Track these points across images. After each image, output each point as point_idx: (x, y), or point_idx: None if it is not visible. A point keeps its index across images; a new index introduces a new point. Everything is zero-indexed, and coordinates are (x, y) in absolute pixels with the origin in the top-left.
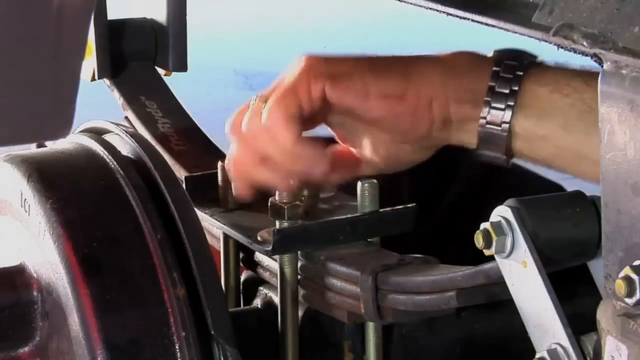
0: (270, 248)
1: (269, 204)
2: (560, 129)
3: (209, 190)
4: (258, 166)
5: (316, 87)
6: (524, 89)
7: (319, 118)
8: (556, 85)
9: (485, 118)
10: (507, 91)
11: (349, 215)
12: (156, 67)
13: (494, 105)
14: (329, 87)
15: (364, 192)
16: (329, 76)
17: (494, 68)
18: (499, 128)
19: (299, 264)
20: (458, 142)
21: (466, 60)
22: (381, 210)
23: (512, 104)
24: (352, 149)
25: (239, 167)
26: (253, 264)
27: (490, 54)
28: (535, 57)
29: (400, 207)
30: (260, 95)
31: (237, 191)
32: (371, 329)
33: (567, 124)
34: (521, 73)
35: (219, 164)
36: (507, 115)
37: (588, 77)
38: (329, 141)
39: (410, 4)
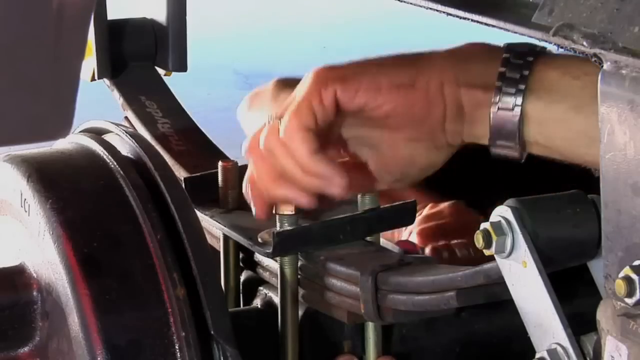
0: (270, 250)
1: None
2: (571, 110)
3: (208, 190)
4: (276, 182)
5: (327, 95)
6: (535, 73)
7: (333, 133)
8: (567, 68)
9: (496, 103)
10: (517, 76)
11: (349, 214)
12: (156, 67)
13: (505, 90)
14: (340, 90)
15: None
16: (338, 80)
17: (504, 55)
18: (511, 113)
19: (299, 264)
20: (471, 137)
21: (477, 49)
22: (381, 207)
23: (522, 87)
24: (366, 164)
25: (256, 186)
26: (253, 264)
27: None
28: (545, 48)
29: (400, 203)
30: (274, 113)
31: (256, 213)
32: (371, 329)
33: (578, 105)
34: (531, 58)
35: (219, 164)
36: (519, 99)
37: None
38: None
39: (410, 4)
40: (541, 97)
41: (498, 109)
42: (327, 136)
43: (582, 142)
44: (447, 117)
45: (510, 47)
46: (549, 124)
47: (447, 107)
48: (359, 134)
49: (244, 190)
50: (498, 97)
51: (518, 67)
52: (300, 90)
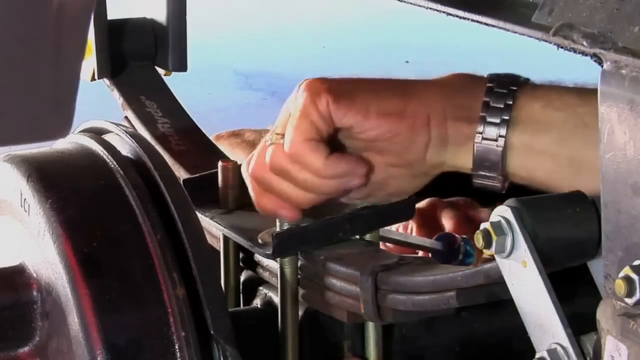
0: (270, 251)
1: None
2: (555, 143)
3: (208, 191)
4: (298, 192)
5: (322, 105)
6: (518, 103)
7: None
8: (548, 100)
9: (481, 134)
10: (501, 105)
11: (347, 212)
12: (156, 67)
13: (489, 120)
14: (332, 103)
15: None
16: (331, 93)
17: (488, 84)
18: (495, 143)
19: (299, 263)
20: (453, 166)
21: (462, 80)
22: (379, 204)
23: (507, 117)
24: None
25: (278, 198)
26: (253, 264)
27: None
28: (528, 79)
29: (398, 200)
30: (273, 132)
31: (290, 218)
32: (371, 329)
33: (561, 138)
34: (515, 88)
35: (220, 164)
36: (503, 130)
37: (582, 92)
38: None
39: (410, 4)
40: (525, 129)
41: (482, 139)
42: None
43: (567, 174)
44: (430, 148)
45: (493, 77)
46: (533, 156)
47: (431, 139)
48: (343, 149)
49: (258, 207)
50: (482, 127)
51: (502, 96)
52: (296, 105)
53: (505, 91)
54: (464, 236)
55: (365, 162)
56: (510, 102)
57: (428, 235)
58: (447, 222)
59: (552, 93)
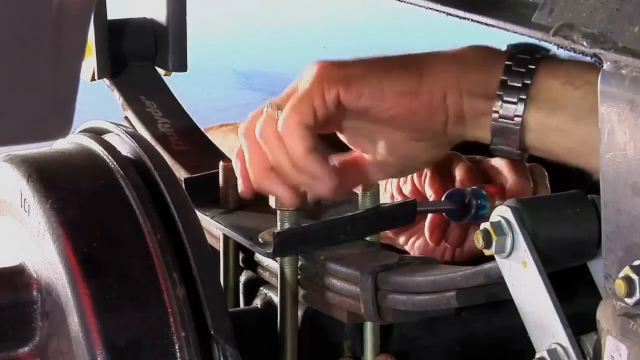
0: (271, 251)
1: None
2: (572, 121)
3: (209, 191)
4: (266, 173)
5: (330, 94)
6: (536, 82)
7: (333, 124)
8: (568, 78)
9: (497, 112)
10: (519, 84)
11: (349, 214)
12: (156, 67)
13: (506, 98)
14: (343, 91)
15: (365, 188)
16: (342, 81)
17: (507, 62)
18: (512, 122)
19: (299, 264)
20: (473, 137)
21: (479, 55)
22: (381, 206)
23: (524, 97)
24: (363, 154)
25: (247, 171)
26: (253, 264)
27: (504, 48)
28: (548, 50)
29: (401, 201)
30: (274, 101)
31: (241, 191)
32: (371, 329)
33: (579, 116)
34: (533, 66)
35: (220, 164)
36: (520, 108)
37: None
38: (338, 148)
39: (410, 4)
40: (542, 107)
41: (499, 117)
42: (325, 126)
43: (583, 151)
44: (448, 123)
45: (512, 53)
46: (549, 134)
47: (449, 115)
48: (359, 126)
49: (233, 163)
50: (499, 105)
51: (520, 75)
52: (303, 84)
53: (523, 70)
54: (474, 187)
55: (336, 179)
56: (529, 82)
57: (440, 183)
58: (458, 172)
59: (571, 70)
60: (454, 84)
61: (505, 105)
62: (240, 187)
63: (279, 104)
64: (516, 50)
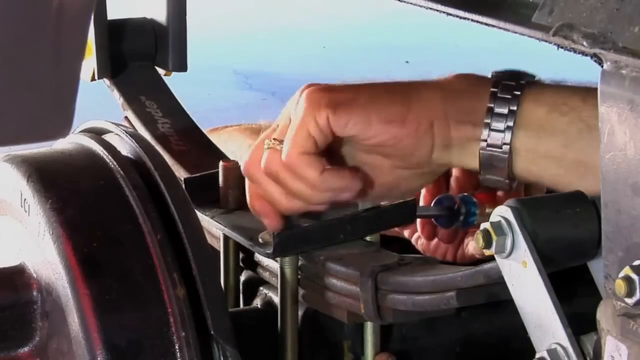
0: (271, 251)
1: None
2: (561, 147)
3: (209, 191)
4: (288, 198)
5: (321, 119)
6: (522, 109)
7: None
8: (554, 105)
9: (485, 140)
10: (505, 112)
11: (348, 213)
12: (156, 67)
13: (493, 126)
14: (331, 116)
15: None
16: (330, 106)
17: (492, 89)
18: (500, 150)
19: (299, 264)
20: (460, 165)
21: (465, 83)
22: (381, 206)
23: (511, 124)
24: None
25: (267, 203)
26: (253, 264)
27: (489, 75)
28: (533, 76)
29: (400, 201)
30: (273, 136)
31: (271, 227)
32: (371, 329)
33: (567, 142)
34: (519, 93)
35: (221, 163)
36: (507, 136)
37: (585, 93)
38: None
39: (410, 3)
40: (530, 134)
41: (487, 145)
42: (328, 142)
43: (574, 177)
44: (435, 150)
45: (497, 80)
46: (538, 160)
47: (435, 142)
48: (346, 154)
49: (250, 206)
50: (487, 134)
51: (506, 101)
52: (296, 114)
53: (509, 96)
54: (464, 194)
55: (361, 178)
56: (515, 109)
57: (435, 183)
58: (455, 170)
59: (557, 97)
60: (440, 111)
61: (492, 133)
62: (269, 225)
63: (277, 138)
64: (501, 77)
